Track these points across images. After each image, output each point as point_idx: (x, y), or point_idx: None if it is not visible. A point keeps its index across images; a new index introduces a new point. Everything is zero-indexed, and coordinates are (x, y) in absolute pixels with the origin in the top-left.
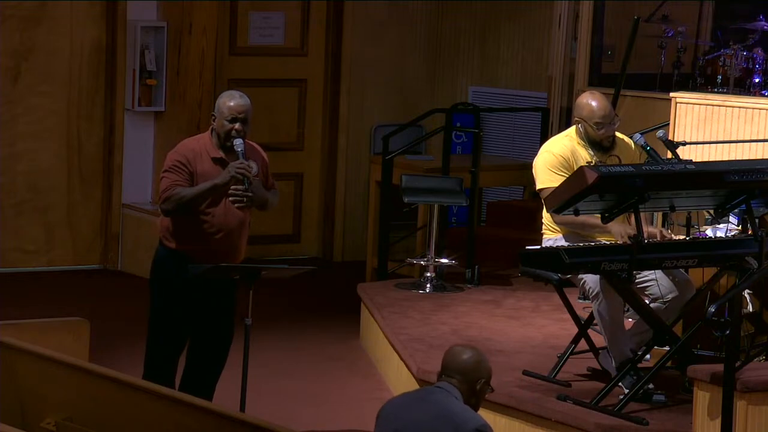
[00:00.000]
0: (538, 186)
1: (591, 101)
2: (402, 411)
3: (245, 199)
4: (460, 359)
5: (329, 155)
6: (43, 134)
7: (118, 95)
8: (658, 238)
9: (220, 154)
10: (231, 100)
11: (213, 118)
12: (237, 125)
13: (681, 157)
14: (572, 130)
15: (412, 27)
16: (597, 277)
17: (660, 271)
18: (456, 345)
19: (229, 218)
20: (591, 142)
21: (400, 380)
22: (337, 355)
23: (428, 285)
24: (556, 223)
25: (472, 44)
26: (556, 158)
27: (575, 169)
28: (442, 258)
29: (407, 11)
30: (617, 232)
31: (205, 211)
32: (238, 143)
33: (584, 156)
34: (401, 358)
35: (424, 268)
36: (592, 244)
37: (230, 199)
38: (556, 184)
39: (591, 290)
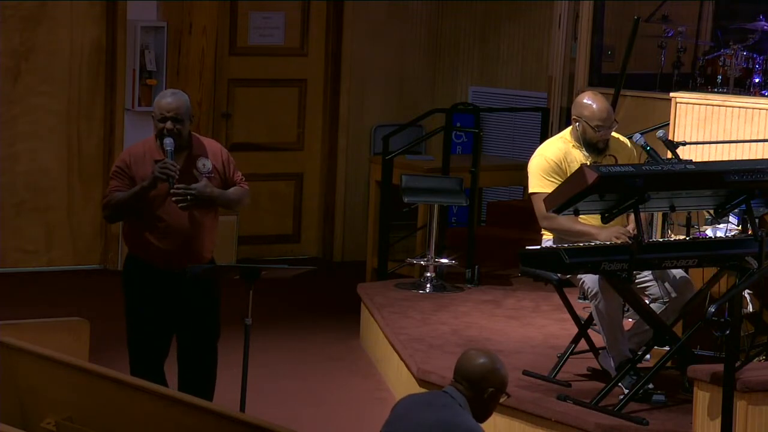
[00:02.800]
0: (530, 189)
1: (593, 103)
2: (406, 414)
3: (188, 197)
4: (470, 365)
5: (329, 155)
6: (43, 134)
7: (118, 95)
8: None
9: (162, 156)
10: (162, 99)
11: (153, 119)
12: (168, 124)
13: (681, 157)
14: (567, 132)
15: (412, 27)
16: (596, 276)
17: (659, 271)
18: (472, 349)
19: (181, 220)
20: (586, 142)
21: (400, 380)
22: (337, 355)
23: (428, 285)
24: (544, 228)
25: (472, 44)
26: (548, 163)
27: (568, 173)
28: (442, 258)
29: (407, 11)
30: (605, 238)
31: (153, 215)
32: (167, 142)
33: (578, 158)
34: (401, 358)
35: (424, 268)
36: (592, 244)
37: (173, 199)
38: (547, 190)
39: (589, 290)
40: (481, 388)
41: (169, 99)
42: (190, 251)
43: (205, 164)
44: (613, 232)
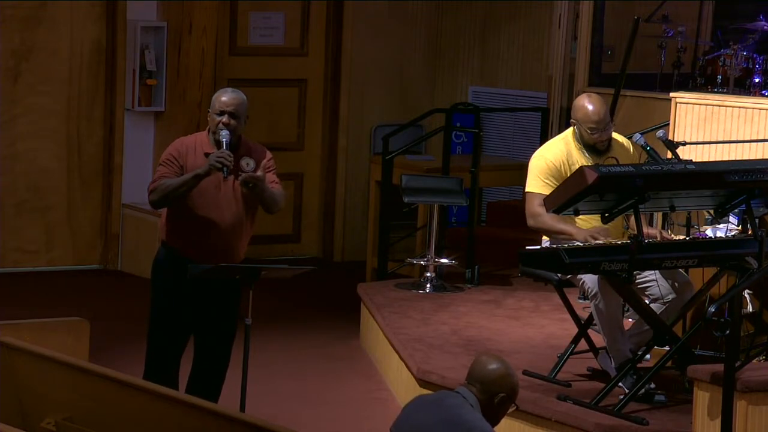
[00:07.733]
0: (526, 189)
1: (587, 105)
2: (414, 411)
3: (250, 184)
4: (483, 369)
5: (329, 155)
6: (43, 134)
7: (118, 95)
8: (659, 239)
9: (213, 149)
10: (223, 95)
11: (208, 114)
12: (224, 118)
13: (681, 157)
14: (569, 132)
15: (412, 27)
16: (595, 276)
17: (659, 271)
18: (486, 354)
19: (224, 216)
20: (586, 144)
21: (400, 380)
22: (337, 355)
23: (428, 285)
24: (530, 227)
25: (472, 44)
26: (547, 165)
27: (567, 175)
28: (442, 258)
29: (407, 11)
30: (582, 238)
31: (198, 208)
32: (223, 134)
33: (580, 159)
34: (401, 358)
35: (424, 268)
36: (592, 243)
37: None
38: (541, 191)
39: (590, 290)
40: (493, 392)
41: (230, 94)
42: (230, 249)
43: (249, 163)
44: (590, 232)
